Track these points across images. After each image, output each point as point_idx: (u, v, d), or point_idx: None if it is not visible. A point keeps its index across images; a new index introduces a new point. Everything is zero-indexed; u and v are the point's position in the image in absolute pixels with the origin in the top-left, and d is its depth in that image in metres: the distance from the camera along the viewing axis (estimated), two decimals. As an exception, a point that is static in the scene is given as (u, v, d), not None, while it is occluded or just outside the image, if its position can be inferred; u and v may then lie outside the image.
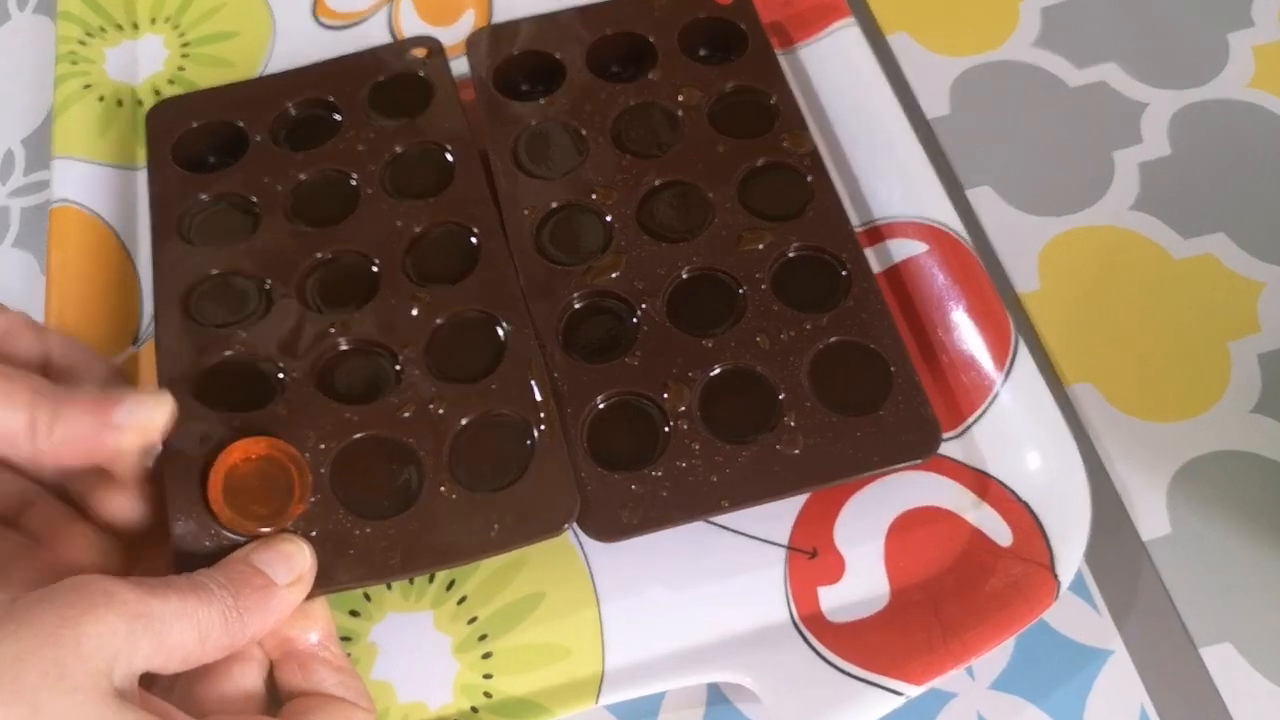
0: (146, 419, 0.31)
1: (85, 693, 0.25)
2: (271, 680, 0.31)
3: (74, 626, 0.25)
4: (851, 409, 0.35)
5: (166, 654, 0.27)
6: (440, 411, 0.36)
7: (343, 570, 0.33)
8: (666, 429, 0.35)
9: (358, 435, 0.35)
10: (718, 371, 0.36)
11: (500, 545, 0.34)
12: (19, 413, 0.29)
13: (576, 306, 0.38)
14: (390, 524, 0.34)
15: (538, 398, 0.36)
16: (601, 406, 0.36)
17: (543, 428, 0.35)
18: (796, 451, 0.35)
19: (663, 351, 0.37)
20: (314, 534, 0.33)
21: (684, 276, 0.38)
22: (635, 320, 0.38)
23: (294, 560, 0.31)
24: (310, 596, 0.32)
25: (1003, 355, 0.38)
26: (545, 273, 0.39)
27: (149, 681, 0.30)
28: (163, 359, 0.37)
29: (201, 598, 0.28)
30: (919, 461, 0.35)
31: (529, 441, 0.35)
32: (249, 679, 0.30)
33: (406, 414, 0.36)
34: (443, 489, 0.34)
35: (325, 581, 0.32)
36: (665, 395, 0.36)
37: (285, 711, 0.30)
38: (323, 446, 0.35)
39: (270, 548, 0.31)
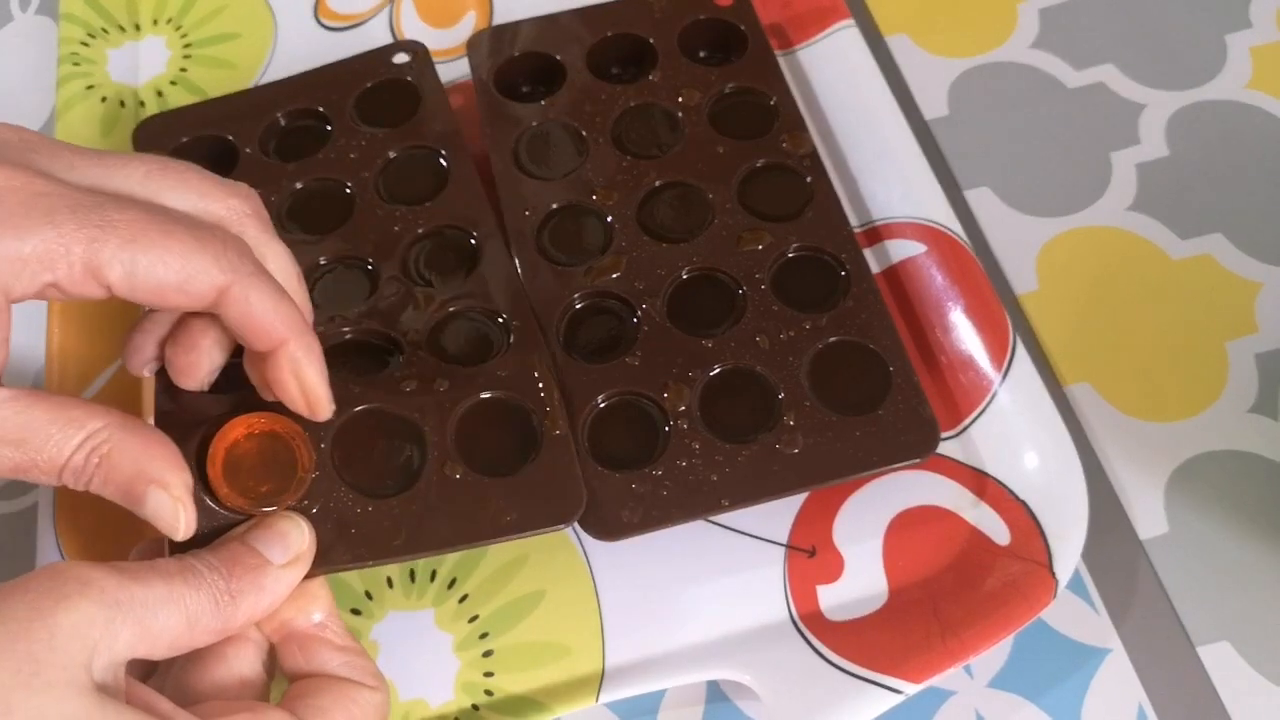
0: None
1: (61, 689, 0.23)
2: (275, 664, 0.31)
3: (47, 618, 0.24)
4: (850, 409, 0.36)
5: (152, 641, 0.26)
6: (444, 390, 0.35)
7: (344, 549, 0.32)
8: (667, 428, 0.35)
9: (360, 408, 0.35)
10: (717, 371, 0.36)
11: (508, 531, 0.33)
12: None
13: (577, 307, 0.38)
14: (394, 503, 0.33)
15: (544, 390, 0.36)
16: (602, 406, 0.36)
17: (549, 420, 0.35)
18: (796, 451, 0.35)
19: (663, 351, 0.37)
20: (314, 511, 0.32)
21: (684, 277, 0.39)
22: (635, 320, 0.38)
23: (290, 539, 0.30)
24: (310, 576, 0.31)
25: (1001, 355, 0.38)
26: (546, 273, 0.39)
27: (144, 671, 0.30)
28: None
29: (190, 581, 0.27)
30: (917, 461, 0.35)
31: (536, 431, 0.35)
32: (245, 663, 0.29)
33: (409, 389, 0.35)
34: (446, 469, 0.34)
35: (325, 561, 0.32)
36: (665, 395, 0.36)
37: (288, 694, 0.29)
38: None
39: (266, 527, 0.30)
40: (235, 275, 0.29)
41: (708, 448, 0.35)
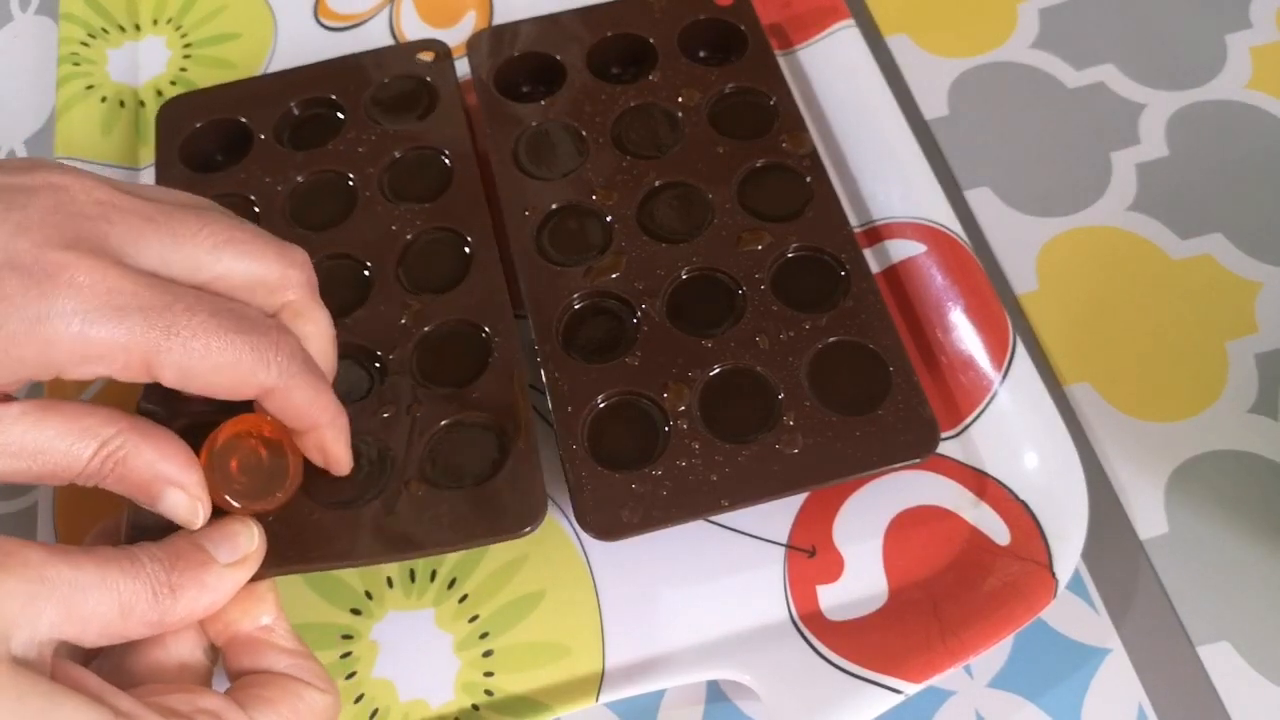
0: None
1: None
2: (217, 656, 0.31)
3: None
4: (850, 409, 0.36)
5: (81, 625, 0.26)
6: (418, 414, 0.36)
7: (293, 552, 0.32)
8: (666, 428, 0.35)
9: None
10: (717, 371, 0.36)
11: (458, 542, 0.33)
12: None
13: (576, 307, 0.38)
14: (350, 512, 0.33)
15: (518, 408, 0.36)
16: (602, 406, 0.36)
17: (520, 439, 0.35)
18: (796, 451, 0.35)
19: (662, 351, 0.37)
20: (270, 517, 0.33)
21: (684, 277, 0.39)
22: (635, 320, 0.38)
23: (239, 540, 0.30)
24: (259, 578, 0.31)
25: (1001, 355, 0.38)
26: (545, 274, 0.39)
27: (85, 658, 0.29)
28: None
29: (126, 569, 0.27)
30: (917, 461, 0.35)
31: (503, 448, 0.35)
32: (184, 648, 0.29)
33: (386, 415, 0.36)
34: (409, 485, 0.34)
35: (274, 562, 0.32)
36: (665, 395, 0.36)
37: (233, 687, 0.29)
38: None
39: (217, 527, 0.30)
40: (281, 379, 0.30)
41: (707, 448, 0.35)
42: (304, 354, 0.31)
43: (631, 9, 0.46)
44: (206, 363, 0.28)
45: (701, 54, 0.45)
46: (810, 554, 0.36)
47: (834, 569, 0.36)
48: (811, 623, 0.35)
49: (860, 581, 0.36)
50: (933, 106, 0.47)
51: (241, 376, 0.29)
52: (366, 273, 0.39)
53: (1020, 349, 0.38)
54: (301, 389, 0.30)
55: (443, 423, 0.36)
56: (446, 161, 0.42)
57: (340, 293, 0.38)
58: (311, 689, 0.29)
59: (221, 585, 0.30)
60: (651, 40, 0.45)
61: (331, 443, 0.32)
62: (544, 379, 0.37)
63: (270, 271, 0.31)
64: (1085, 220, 0.43)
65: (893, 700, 0.32)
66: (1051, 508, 0.36)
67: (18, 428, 0.28)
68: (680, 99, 0.43)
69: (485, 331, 0.38)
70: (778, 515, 0.37)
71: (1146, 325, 0.41)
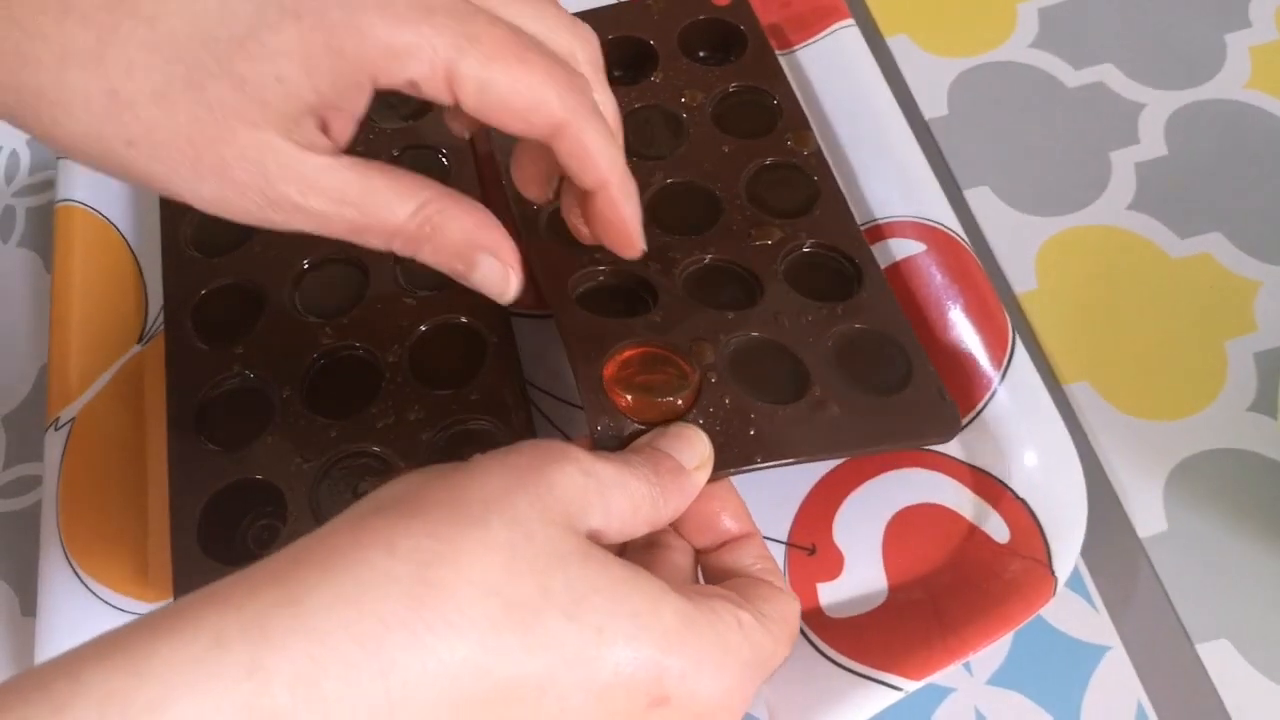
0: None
1: (561, 527, 0.26)
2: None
3: (544, 473, 0.27)
4: (873, 391, 0.35)
5: (607, 518, 0.28)
6: (419, 418, 0.36)
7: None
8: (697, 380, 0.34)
9: (339, 453, 0.35)
10: (741, 341, 0.35)
11: None
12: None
13: (590, 284, 0.37)
14: None
15: (514, 411, 0.36)
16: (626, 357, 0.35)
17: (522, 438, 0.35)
18: (830, 414, 0.34)
19: (686, 318, 0.35)
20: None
21: (705, 262, 0.38)
22: (654, 297, 0.36)
23: (697, 446, 0.31)
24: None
25: (1000, 354, 0.38)
26: (557, 251, 0.37)
27: None
28: (173, 394, 0.38)
29: (631, 472, 0.29)
30: (941, 440, 0.35)
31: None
32: (680, 556, 0.31)
33: (384, 423, 0.36)
34: None
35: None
36: (692, 350, 0.34)
37: (728, 586, 0.30)
38: (306, 466, 0.35)
39: (674, 435, 0.32)
40: (574, 115, 0.29)
41: (739, 402, 0.33)
42: (594, 101, 0.31)
43: (630, 12, 0.46)
44: (506, 78, 0.28)
45: (702, 54, 0.45)
46: (810, 551, 0.37)
47: (834, 566, 0.36)
48: (811, 620, 0.35)
49: (860, 579, 0.36)
50: (932, 106, 0.47)
51: (538, 98, 0.29)
52: (363, 272, 0.39)
53: (1019, 348, 0.38)
54: (595, 132, 0.30)
55: (440, 428, 0.36)
56: (444, 160, 0.42)
57: (338, 291, 0.39)
58: (789, 595, 0.30)
59: (690, 488, 0.31)
60: (652, 42, 0.45)
61: (624, 204, 0.31)
62: (560, 335, 0.35)
63: (557, 39, 0.31)
64: (1084, 219, 0.44)
65: (892, 697, 0.33)
66: (1051, 506, 0.36)
67: (345, 174, 0.28)
68: (683, 99, 0.43)
69: (483, 332, 0.38)
70: (778, 512, 0.37)
71: (1145, 324, 0.41)
